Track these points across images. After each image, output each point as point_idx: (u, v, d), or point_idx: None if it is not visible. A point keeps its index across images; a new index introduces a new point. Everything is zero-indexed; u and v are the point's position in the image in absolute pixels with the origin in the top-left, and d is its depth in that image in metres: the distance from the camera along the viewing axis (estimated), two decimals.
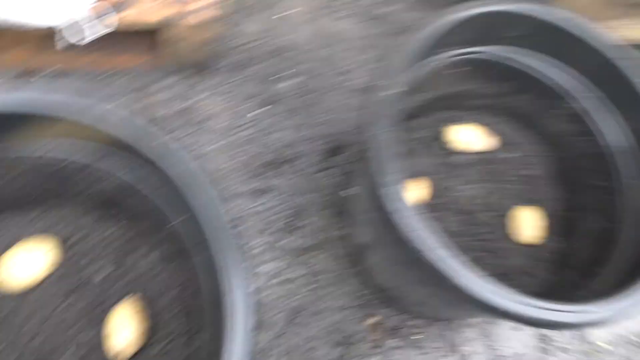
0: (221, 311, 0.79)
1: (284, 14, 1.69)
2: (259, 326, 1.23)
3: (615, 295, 0.93)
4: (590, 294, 1.00)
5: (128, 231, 1.09)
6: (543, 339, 1.42)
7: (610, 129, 1.19)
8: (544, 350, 1.41)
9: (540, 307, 0.88)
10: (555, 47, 1.19)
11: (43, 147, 0.95)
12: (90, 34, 1.23)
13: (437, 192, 1.29)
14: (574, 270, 1.21)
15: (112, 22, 1.25)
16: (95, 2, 1.26)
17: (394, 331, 1.33)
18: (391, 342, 1.31)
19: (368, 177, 0.95)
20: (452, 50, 1.16)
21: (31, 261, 0.98)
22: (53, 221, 1.05)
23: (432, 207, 1.27)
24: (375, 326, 1.31)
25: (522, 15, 1.09)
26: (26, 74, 1.43)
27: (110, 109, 0.90)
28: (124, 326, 0.96)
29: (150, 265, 1.06)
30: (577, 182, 1.30)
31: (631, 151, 1.16)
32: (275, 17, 1.67)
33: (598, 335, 1.46)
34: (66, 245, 1.04)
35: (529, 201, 1.32)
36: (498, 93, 1.32)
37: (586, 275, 1.11)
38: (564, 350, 1.43)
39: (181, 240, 0.96)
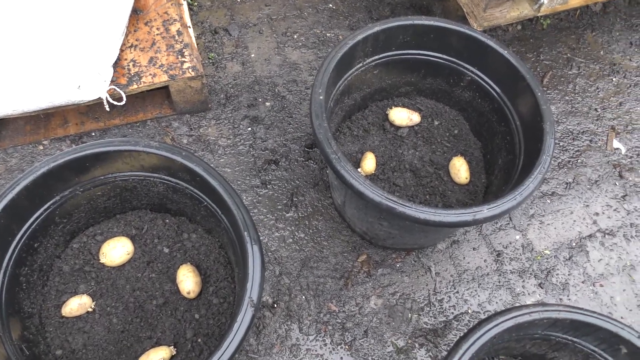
0: (245, 261, 1.17)
1: (257, 51, 2.06)
2: (280, 273, 1.62)
3: (495, 201, 1.27)
4: None
5: (176, 220, 1.49)
6: (497, 253, 1.71)
7: (497, 87, 1.56)
8: (499, 262, 1.71)
9: (447, 213, 1.24)
10: (438, 42, 1.57)
11: (115, 174, 1.37)
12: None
13: (390, 158, 1.64)
14: (491, 195, 1.57)
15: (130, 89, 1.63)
16: (115, 62, 1.62)
17: (380, 263, 1.66)
18: (379, 271, 1.65)
19: (322, 155, 1.31)
20: (370, 57, 1.55)
21: (121, 247, 1.39)
22: (130, 219, 1.47)
23: (387, 169, 1.61)
24: (365, 261, 1.66)
25: (411, 25, 1.49)
26: (79, 137, 1.80)
27: (156, 141, 1.33)
28: (188, 277, 1.35)
29: (195, 239, 1.46)
30: (487, 131, 1.65)
31: (512, 101, 1.53)
32: (252, 55, 2.04)
33: (541, 245, 1.74)
34: (141, 233, 1.46)
35: (458, 153, 1.66)
36: (413, 81, 1.68)
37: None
38: (514, 259, 1.71)
39: (214, 220, 1.37)
